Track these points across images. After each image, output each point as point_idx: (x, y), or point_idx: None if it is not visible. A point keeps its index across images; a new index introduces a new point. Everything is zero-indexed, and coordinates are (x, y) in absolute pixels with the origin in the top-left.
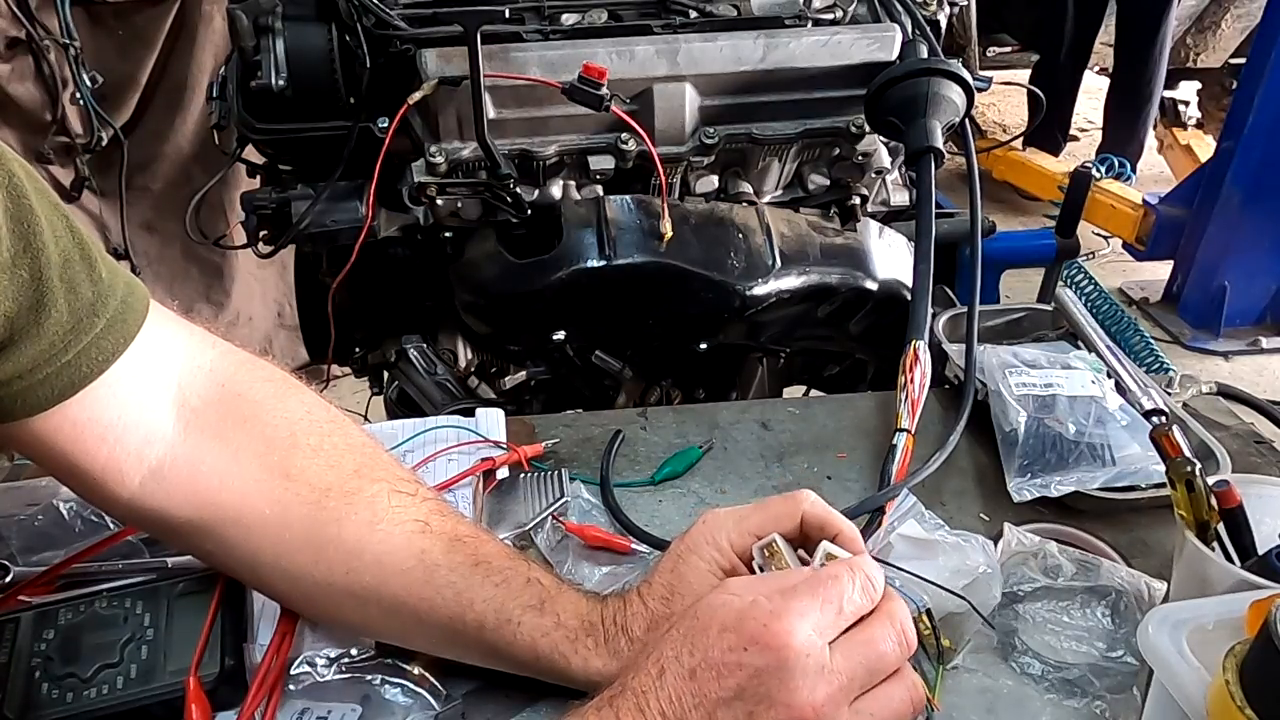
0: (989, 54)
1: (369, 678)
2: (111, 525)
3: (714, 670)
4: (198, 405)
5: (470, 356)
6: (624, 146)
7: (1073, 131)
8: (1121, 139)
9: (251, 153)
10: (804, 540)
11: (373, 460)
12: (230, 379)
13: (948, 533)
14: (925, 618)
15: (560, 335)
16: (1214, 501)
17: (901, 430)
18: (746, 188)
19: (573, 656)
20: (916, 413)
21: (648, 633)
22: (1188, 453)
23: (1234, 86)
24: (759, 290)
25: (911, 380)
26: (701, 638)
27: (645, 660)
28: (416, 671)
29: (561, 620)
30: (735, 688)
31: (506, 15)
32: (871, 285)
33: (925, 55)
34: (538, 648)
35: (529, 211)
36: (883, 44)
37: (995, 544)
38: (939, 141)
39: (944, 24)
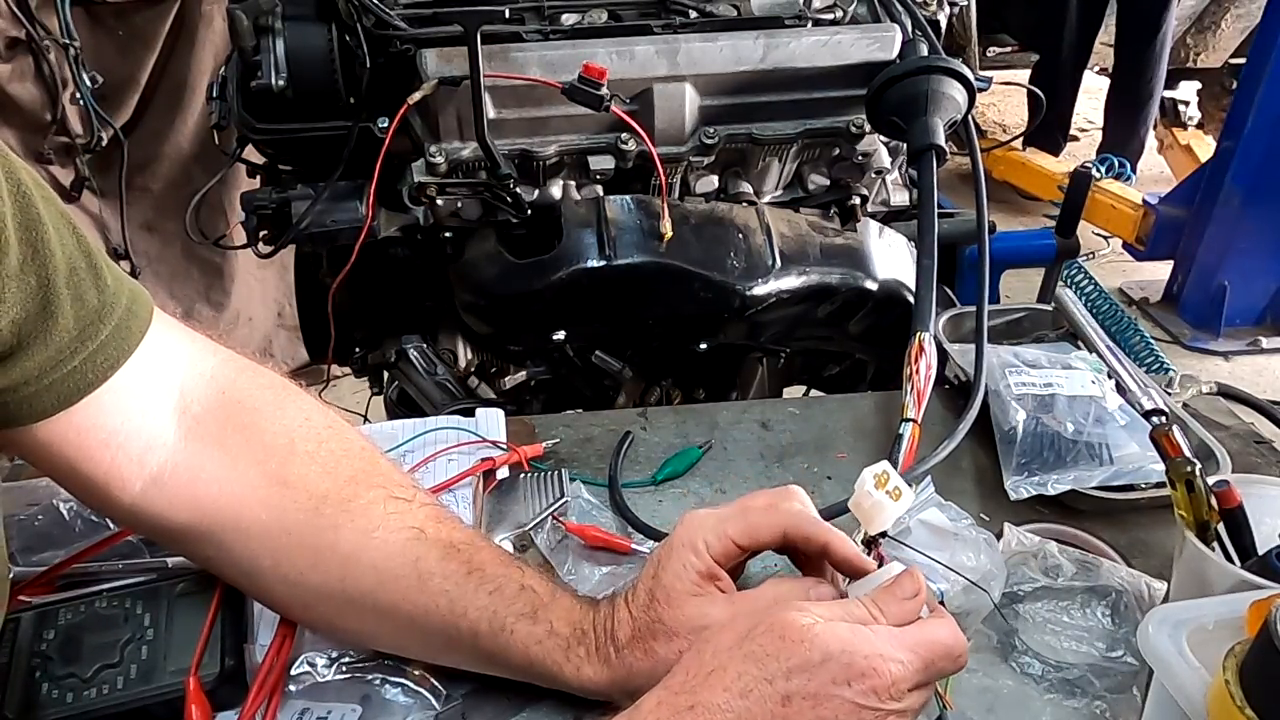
0: (989, 54)
1: (369, 678)
2: (112, 525)
3: (811, 699)
4: (198, 412)
5: (470, 356)
6: (624, 146)
7: (1073, 131)
8: (1121, 139)
9: (251, 153)
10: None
11: (370, 466)
12: (231, 386)
13: (968, 527)
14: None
15: (560, 335)
16: (1214, 501)
17: (908, 420)
18: (746, 188)
19: (565, 665)
20: (922, 403)
21: (632, 641)
22: (1188, 453)
23: (1234, 86)
24: (759, 290)
25: (917, 371)
26: (798, 661)
27: (720, 672)
28: (417, 672)
29: (554, 628)
30: (830, 719)
31: (506, 15)
32: (871, 285)
33: (925, 54)
34: (530, 655)
35: (529, 211)
36: (883, 44)
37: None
38: (941, 139)
39: (944, 24)
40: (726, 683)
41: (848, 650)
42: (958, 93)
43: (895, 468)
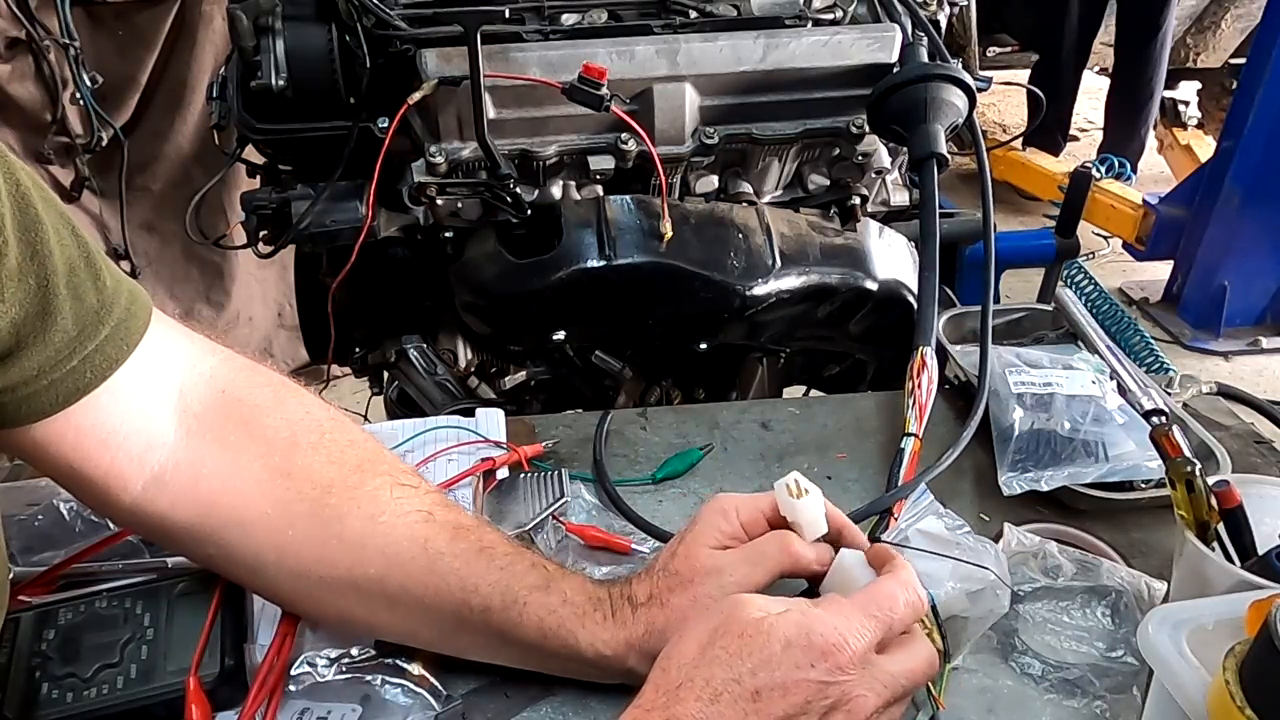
0: (989, 54)
1: (369, 678)
2: (112, 525)
3: (780, 689)
4: (199, 411)
5: (470, 356)
6: (624, 146)
7: (1073, 131)
8: (1121, 139)
9: (251, 153)
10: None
11: (374, 456)
12: (230, 385)
13: (968, 535)
14: (928, 617)
15: (560, 335)
16: (1214, 501)
17: (909, 435)
18: (746, 188)
19: (580, 631)
20: (924, 418)
21: (650, 598)
22: (1188, 453)
23: (1234, 86)
24: (759, 290)
25: (919, 385)
26: (761, 655)
27: (689, 684)
28: (416, 672)
29: (568, 597)
30: (802, 703)
31: (506, 15)
32: (871, 285)
33: (925, 58)
34: (544, 625)
35: (529, 211)
36: (883, 44)
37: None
38: (942, 147)
39: (944, 24)
40: (696, 692)
41: (804, 633)
42: (958, 99)
43: (897, 481)
